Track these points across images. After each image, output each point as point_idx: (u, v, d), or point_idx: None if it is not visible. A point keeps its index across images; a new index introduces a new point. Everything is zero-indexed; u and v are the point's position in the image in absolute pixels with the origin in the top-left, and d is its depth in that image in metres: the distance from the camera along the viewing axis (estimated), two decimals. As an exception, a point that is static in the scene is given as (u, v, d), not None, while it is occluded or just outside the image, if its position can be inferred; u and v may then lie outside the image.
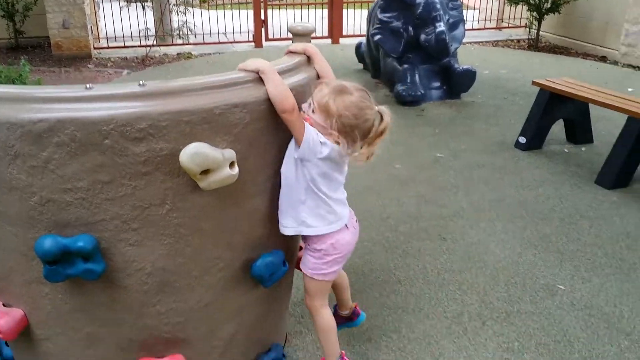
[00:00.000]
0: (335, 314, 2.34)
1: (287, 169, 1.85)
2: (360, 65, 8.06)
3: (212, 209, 1.70)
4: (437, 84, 6.51)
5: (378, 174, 4.44)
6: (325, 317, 2.13)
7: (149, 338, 1.85)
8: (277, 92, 1.69)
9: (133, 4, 9.26)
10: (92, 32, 9.18)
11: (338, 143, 1.79)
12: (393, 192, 4.13)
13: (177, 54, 9.27)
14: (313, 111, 1.78)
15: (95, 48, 9.30)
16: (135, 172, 1.56)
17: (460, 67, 6.37)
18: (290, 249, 2.17)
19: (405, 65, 6.38)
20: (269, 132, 1.73)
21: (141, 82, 1.51)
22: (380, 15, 6.44)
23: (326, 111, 1.76)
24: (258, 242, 1.91)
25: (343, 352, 2.22)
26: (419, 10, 6.13)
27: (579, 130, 5.03)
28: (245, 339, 2.11)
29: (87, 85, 1.51)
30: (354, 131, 1.79)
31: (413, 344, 2.53)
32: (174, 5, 9.29)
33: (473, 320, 2.67)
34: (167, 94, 1.51)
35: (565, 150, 4.95)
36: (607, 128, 5.35)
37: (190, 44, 9.52)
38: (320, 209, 1.90)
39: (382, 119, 1.85)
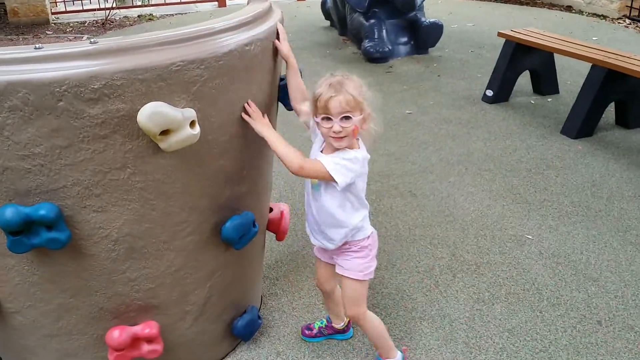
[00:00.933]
0: (327, 327, 2.30)
1: (332, 197, 1.82)
2: (327, 23, 7.93)
3: (175, 171, 1.65)
4: (404, 39, 6.45)
5: (347, 132, 4.42)
6: (376, 320, 2.04)
7: (120, 306, 1.82)
8: (281, 156, 1.73)
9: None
10: (48, -3, 8.80)
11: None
12: (363, 149, 4.11)
13: (138, 16, 8.98)
14: (352, 115, 1.71)
15: (53, 13, 8.93)
16: (93, 135, 1.49)
17: (427, 21, 6.30)
18: (260, 211, 2.14)
19: (372, 21, 6.29)
20: (230, 88, 1.67)
21: (92, 40, 1.43)
22: (344, -30, 6.31)
23: (356, 101, 1.72)
24: (226, 204, 1.88)
25: (404, 348, 2.18)
26: (384, -37, 6.02)
27: (545, 81, 5.06)
28: (218, 302, 2.09)
29: (36, 45, 1.43)
30: (371, 99, 1.79)
31: (386, 299, 2.55)
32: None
33: (444, 273, 2.71)
34: (120, 51, 1.44)
35: (532, 101, 4.99)
36: (572, 78, 5.40)
37: (151, 5, 9.21)
38: (365, 209, 1.92)
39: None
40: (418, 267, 2.77)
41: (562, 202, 3.34)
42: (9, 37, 7.95)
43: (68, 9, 9.20)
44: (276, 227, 2.34)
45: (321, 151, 1.84)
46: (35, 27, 8.43)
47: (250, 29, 1.73)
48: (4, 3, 8.58)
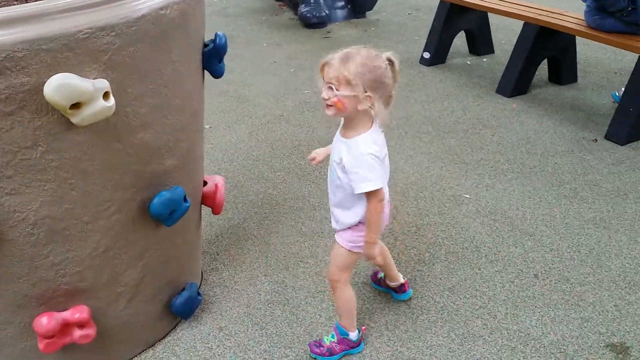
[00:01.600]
0: (382, 281, 2.37)
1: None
2: (262, -11, 7.73)
3: (92, 147, 1.55)
4: (341, 3, 6.37)
5: (286, 101, 4.34)
6: (349, 292, 2.04)
7: (46, 291, 1.73)
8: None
9: None
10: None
11: (372, 107, 1.73)
12: (303, 118, 4.05)
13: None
14: (337, 89, 1.70)
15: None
16: (-3, 112, 1.37)
17: (364, -16, 6.24)
18: (192, 185, 2.06)
19: (308, -15, 6.16)
20: (146, 57, 1.56)
21: (-14, 8, 1.30)
22: None
23: (345, 77, 1.68)
24: (152, 179, 1.79)
25: (364, 327, 2.18)
26: None
27: (480, 42, 5.11)
28: (153, 282, 2.02)
29: None
30: (383, 83, 1.74)
31: (329, 267, 2.54)
32: None
33: (386, 237, 2.71)
34: (20, 20, 1.31)
35: (468, 62, 5.03)
36: (507, 37, 5.47)
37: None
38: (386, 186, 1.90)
39: (392, 64, 1.78)
40: (360, 233, 2.76)
41: (498, 160, 3.39)
42: None
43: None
44: (211, 201, 2.27)
45: (339, 132, 1.85)
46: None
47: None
48: None
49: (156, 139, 1.74)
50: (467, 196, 3.03)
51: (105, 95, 1.44)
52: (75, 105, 1.39)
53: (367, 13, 6.48)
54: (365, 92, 1.70)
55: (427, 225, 2.80)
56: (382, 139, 1.82)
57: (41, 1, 1.39)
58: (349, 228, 1.91)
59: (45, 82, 1.35)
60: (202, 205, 2.31)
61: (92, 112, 1.41)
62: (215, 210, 2.30)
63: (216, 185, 2.28)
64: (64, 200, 1.59)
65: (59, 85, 1.33)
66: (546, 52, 4.27)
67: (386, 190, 1.87)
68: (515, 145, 3.57)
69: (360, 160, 1.73)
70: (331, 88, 1.70)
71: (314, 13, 6.00)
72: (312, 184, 3.19)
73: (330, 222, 1.98)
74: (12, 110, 1.39)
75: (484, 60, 5.06)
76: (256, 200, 3.06)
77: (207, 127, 3.82)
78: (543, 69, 4.50)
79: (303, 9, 6.05)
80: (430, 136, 3.71)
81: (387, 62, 1.76)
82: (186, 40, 1.75)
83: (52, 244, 1.65)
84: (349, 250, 1.94)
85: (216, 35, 1.94)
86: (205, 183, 2.31)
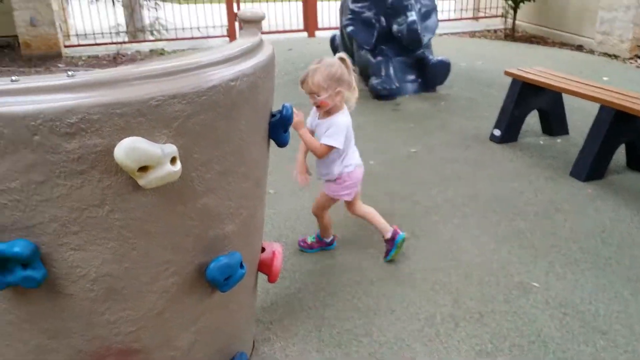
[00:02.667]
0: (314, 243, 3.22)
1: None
2: (336, 59, 7.96)
3: (156, 209, 1.57)
4: (412, 77, 6.43)
5: (351, 169, 4.34)
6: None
7: (100, 349, 1.73)
8: (309, 147, 2.86)
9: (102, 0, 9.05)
10: (61, 30, 8.93)
11: (342, 97, 2.77)
12: (366, 188, 4.00)
13: (150, 51, 9.08)
14: (318, 95, 2.69)
15: (65, 46, 9.06)
16: (70, 170, 1.43)
17: (435, 59, 6.29)
18: (249, 251, 2.05)
19: (379, 58, 6.28)
20: (214, 125, 1.60)
21: (70, 73, 1.38)
22: (351, 6, 6.33)
23: (318, 86, 2.67)
24: (211, 244, 1.79)
25: (395, 226, 3.08)
26: (390, -1, 6.03)
27: (554, 122, 4.98)
28: (205, 348, 1.99)
29: (13, 78, 1.38)
30: (342, 79, 2.71)
31: (384, 347, 2.43)
32: (144, 0, 9.10)
33: (446, 322, 2.58)
34: (98, 85, 1.38)
35: (541, 142, 4.90)
36: (582, 118, 5.30)
37: (163, 40, 9.32)
38: (346, 162, 2.91)
39: (344, 61, 2.76)
40: (418, 314, 2.64)
41: (570, 248, 3.21)
42: (21, 69, 8.05)
43: (81, 42, 9.31)
44: (268, 269, 2.24)
45: (317, 117, 2.88)
46: (47, 60, 8.53)
47: (237, 64, 1.66)
48: (17, 36, 8.70)
49: (218, 205, 1.75)
50: (536, 285, 2.86)
51: (173, 160, 1.47)
52: (143, 168, 1.42)
53: (438, 87, 6.50)
54: (335, 89, 2.69)
55: (491, 312, 2.65)
56: (349, 114, 2.85)
57: (120, 68, 1.45)
58: (332, 182, 2.93)
59: (117, 144, 1.40)
60: (259, 272, 2.28)
61: (159, 175, 1.44)
62: (271, 278, 2.27)
63: (274, 253, 2.26)
64: (125, 259, 1.61)
65: (129, 149, 1.37)
66: (623, 137, 4.09)
67: (357, 155, 2.98)
68: (590, 233, 3.37)
69: (337, 126, 2.75)
70: (313, 96, 2.71)
71: (385, 85, 6.08)
72: (371, 258, 3.11)
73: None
74: (84, 170, 1.44)
75: (558, 141, 4.91)
76: (314, 270, 3.02)
77: (271, 191, 3.86)
78: (621, 153, 4.31)
79: (374, 80, 6.15)
80: (497, 217, 3.58)
81: (340, 62, 2.73)
82: (254, 111, 1.78)
83: (110, 301, 1.66)
84: (330, 197, 3.00)
85: (283, 106, 1.98)
86: (263, 249, 2.29)
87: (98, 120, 1.37)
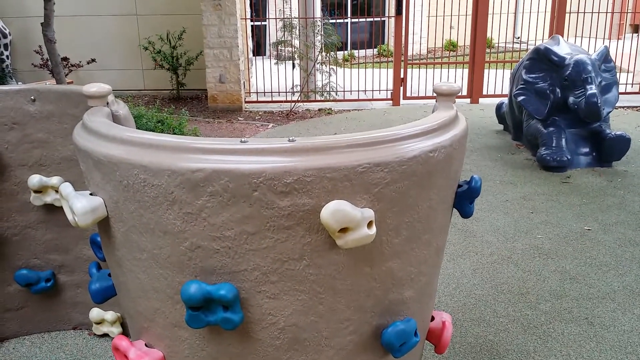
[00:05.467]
0: None
1: None
2: (501, 126, 7.82)
3: (346, 268, 1.67)
4: (585, 150, 6.10)
5: (516, 242, 4.19)
6: None
7: (276, 396, 1.83)
8: None
9: (283, 63, 9.89)
10: (244, 87, 9.89)
11: None
12: (533, 264, 3.85)
13: (319, 110, 9.65)
14: None
15: (246, 102, 10.00)
16: (279, 225, 1.58)
17: (613, 133, 5.92)
18: (422, 318, 2.07)
19: (551, 129, 6.07)
20: (409, 193, 1.68)
21: (291, 138, 1.55)
22: (525, 76, 6.24)
23: None
24: (390, 307, 1.84)
25: None
26: (568, 71, 5.86)
27: None
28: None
29: (242, 139, 1.58)
30: None
31: None
32: (319, 64, 9.76)
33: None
34: (313, 150, 1.53)
35: None
36: None
37: (331, 100, 9.87)
38: None
39: None
40: (593, 408, 2.44)
41: None
42: (207, 119, 8.99)
43: (259, 99, 10.23)
44: (437, 339, 2.23)
45: None
46: (229, 113, 9.46)
47: (436, 136, 1.75)
48: (206, 90, 9.80)
49: (401, 269, 1.81)
50: None
51: (369, 224, 1.56)
52: (343, 229, 1.53)
53: (614, 163, 6.09)
54: None
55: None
56: None
57: (331, 136, 1.60)
58: None
59: (322, 204, 1.53)
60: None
61: (356, 237, 1.54)
62: (439, 349, 2.25)
63: (444, 323, 2.24)
64: (311, 311, 1.71)
65: (335, 210, 1.49)
66: None
67: None
68: None
69: None
70: None
71: (555, 157, 5.83)
72: (538, 340, 2.95)
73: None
74: (290, 225, 1.59)
75: None
76: (475, 345, 2.93)
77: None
78: None
79: (543, 151, 5.93)
80: (688, 312, 3.21)
81: None
82: (446, 181, 1.84)
83: (292, 351, 1.76)
84: None
85: (472, 178, 2.01)
86: (432, 318, 2.29)
87: (310, 182, 1.52)
